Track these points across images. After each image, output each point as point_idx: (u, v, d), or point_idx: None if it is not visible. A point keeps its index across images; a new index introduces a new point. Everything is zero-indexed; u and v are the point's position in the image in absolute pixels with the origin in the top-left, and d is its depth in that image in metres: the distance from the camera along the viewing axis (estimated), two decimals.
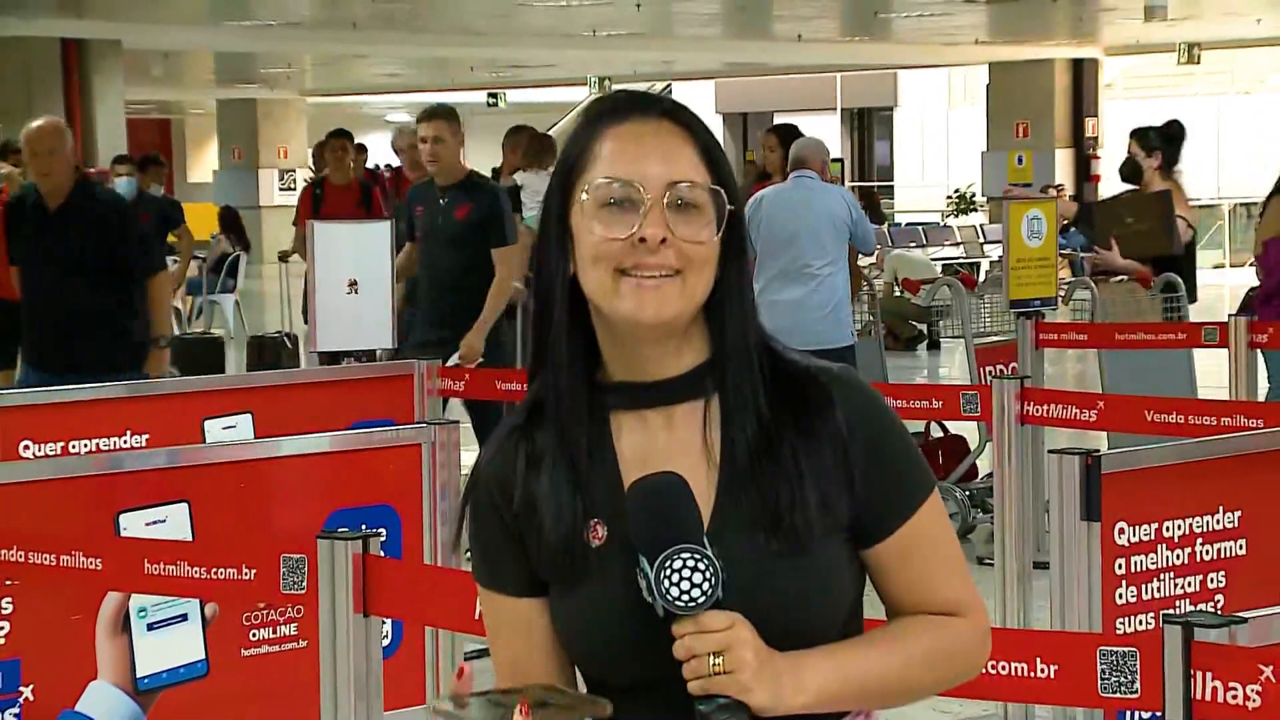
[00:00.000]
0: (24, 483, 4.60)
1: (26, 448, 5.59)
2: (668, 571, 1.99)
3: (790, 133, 10.16)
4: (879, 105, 37.27)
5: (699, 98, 38.60)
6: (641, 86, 37.93)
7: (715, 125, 38.96)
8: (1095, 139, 27.89)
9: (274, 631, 4.94)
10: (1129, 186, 10.03)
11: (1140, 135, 10.25)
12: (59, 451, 5.62)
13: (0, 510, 4.44)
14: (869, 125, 38.11)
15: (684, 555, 2.00)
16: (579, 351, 2.15)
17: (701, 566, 1.99)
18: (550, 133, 15.15)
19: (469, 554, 2.29)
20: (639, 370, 2.15)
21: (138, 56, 23.39)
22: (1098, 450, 4.39)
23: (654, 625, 2.03)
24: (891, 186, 34.94)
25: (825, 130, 22.84)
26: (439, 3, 20.12)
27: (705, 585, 1.99)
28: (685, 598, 1.99)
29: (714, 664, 2.00)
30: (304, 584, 3.90)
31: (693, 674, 2.01)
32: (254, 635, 4.92)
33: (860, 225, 8.99)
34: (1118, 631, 4.35)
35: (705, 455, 2.12)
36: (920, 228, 25.02)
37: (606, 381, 2.16)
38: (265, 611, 4.90)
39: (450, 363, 7.64)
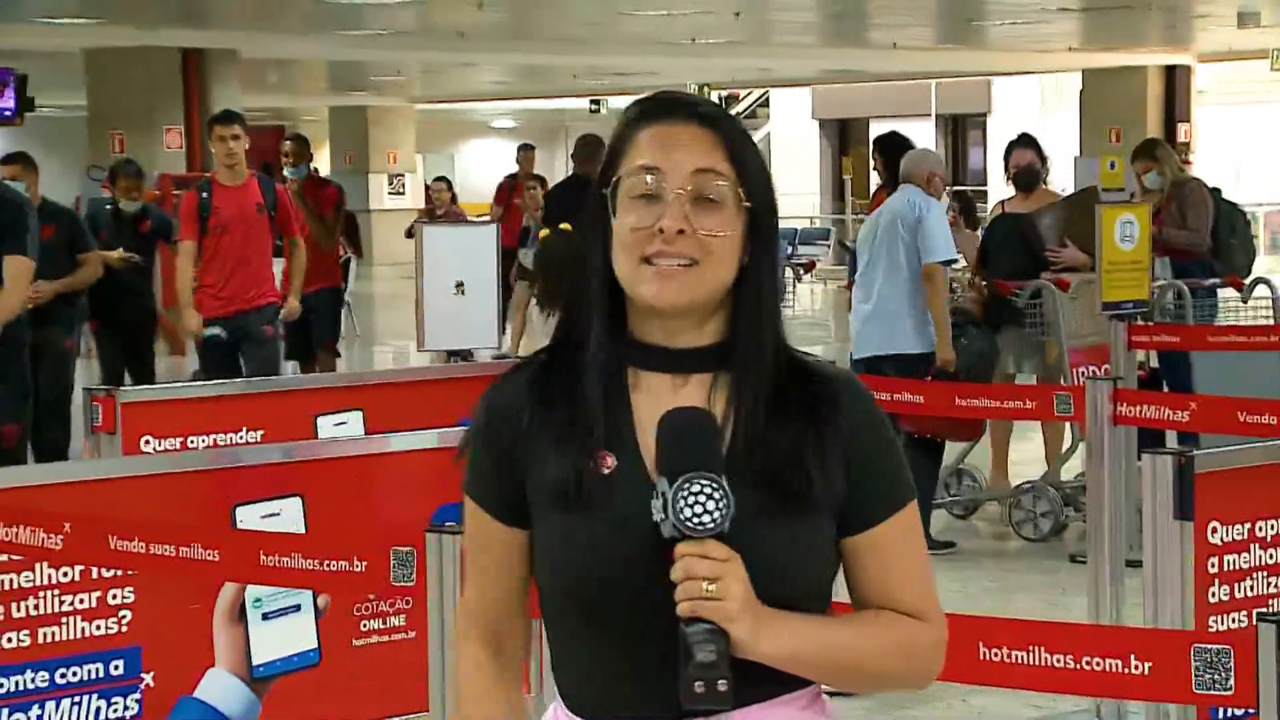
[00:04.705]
0: (145, 476, 4.74)
1: (148, 442, 5.67)
2: (685, 493, 2.11)
3: (889, 142, 10.06)
4: (973, 111, 37.07)
5: (796, 104, 38.54)
6: (740, 93, 38.02)
7: (812, 131, 38.87)
8: (1188, 144, 27.68)
9: (384, 622, 5.04)
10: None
11: (1035, 143, 10.32)
12: (178, 446, 5.71)
13: (123, 503, 4.57)
14: (963, 131, 37.93)
15: (703, 481, 2.12)
16: (611, 309, 2.29)
17: (717, 496, 2.11)
18: None
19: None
20: (662, 337, 2.29)
21: (254, 65, 23.61)
22: (1192, 450, 4.43)
23: (654, 549, 2.15)
24: (985, 191, 34.73)
25: (920, 136, 22.81)
26: (543, 12, 20.23)
27: (717, 513, 2.11)
28: (695, 520, 2.11)
29: (707, 589, 2.11)
30: (413, 576, 3.98)
31: (684, 595, 2.12)
32: (364, 626, 5.03)
33: (921, 229, 8.59)
34: (1211, 629, 4.39)
35: None
36: None
37: (631, 337, 2.30)
38: (375, 603, 5.01)
39: None
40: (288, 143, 12.08)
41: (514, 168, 17.95)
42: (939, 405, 7.27)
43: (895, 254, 8.68)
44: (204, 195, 9.76)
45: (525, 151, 18.93)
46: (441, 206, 17.23)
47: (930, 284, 8.64)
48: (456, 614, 2.46)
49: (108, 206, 11.50)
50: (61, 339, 9.77)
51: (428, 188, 17.73)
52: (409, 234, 17.55)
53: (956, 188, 31.31)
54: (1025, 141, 10.47)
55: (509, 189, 18.15)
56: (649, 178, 2.24)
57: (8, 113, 22.94)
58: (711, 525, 2.11)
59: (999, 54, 27.46)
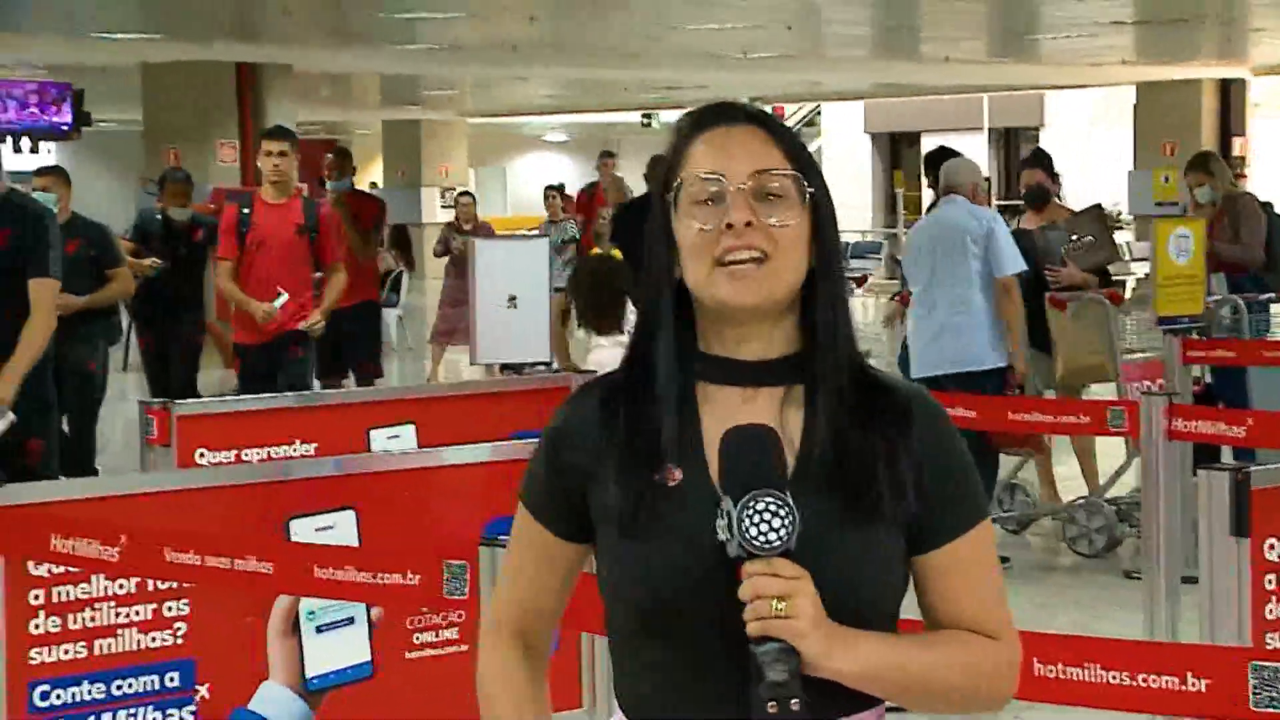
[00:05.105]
0: (200, 489, 4.75)
1: (202, 455, 5.71)
2: (749, 512, 2.09)
3: (940, 157, 10.03)
4: (1026, 125, 36.98)
5: (848, 118, 38.51)
6: (791, 107, 38.01)
7: (863, 145, 38.83)
8: (1243, 159, 27.52)
9: (436, 635, 5.04)
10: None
11: (1045, 161, 10.32)
12: (232, 459, 5.75)
13: (178, 515, 4.59)
14: (1016, 145, 37.83)
15: (767, 499, 2.10)
16: (679, 326, 2.30)
17: (782, 513, 2.09)
18: None
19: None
20: (731, 350, 2.28)
21: (307, 79, 23.71)
22: (1248, 466, 4.40)
23: (721, 567, 2.13)
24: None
25: (973, 150, 22.74)
26: (595, 26, 20.24)
27: (783, 530, 2.09)
28: (762, 538, 2.09)
29: (776, 607, 2.09)
30: (465, 589, 3.98)
31: (754, 614, 2.10)
32: (417, 638, 5.02)
33: (992, 244, 8.68)
34: (1268, 646, 4.34)
35: (783, 437, 2.21)
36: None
37: (700, 352, 2.30)
38: (428, 615, 5.01)
39: None
40: (329, 156, 12.06)
41: (558, 180, 18.00)
42: (993, 420, 7.25)
43: (964, 268, 8.67)
44: (244, 210, 9.55)
45: (605, 159, 18.92)
46: (469, 221, 17.22)
47: (1008, 297, 8.66)
48: (484, 612, 2.46)
49: (158, 216, 11.50)
50: (85, 359, 9.55)
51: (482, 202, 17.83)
52: (438, 253, 17.49)
53: (1009, 201, 31.23)
54: (1034, 160, 10.53)
55: (589, 197, 18.16)
56: (710, 180, 2.25)
57: (65, 127, 23.15)
58: (778, 543, 2.09)
59: (1052, 67, 27.36)
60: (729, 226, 2.22)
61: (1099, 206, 10.46)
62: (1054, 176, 10.40)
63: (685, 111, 2.40)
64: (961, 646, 2.27)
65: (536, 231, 16.00)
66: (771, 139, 2.29)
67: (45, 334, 7.03)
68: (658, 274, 2.30)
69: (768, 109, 2.41)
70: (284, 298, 9.38)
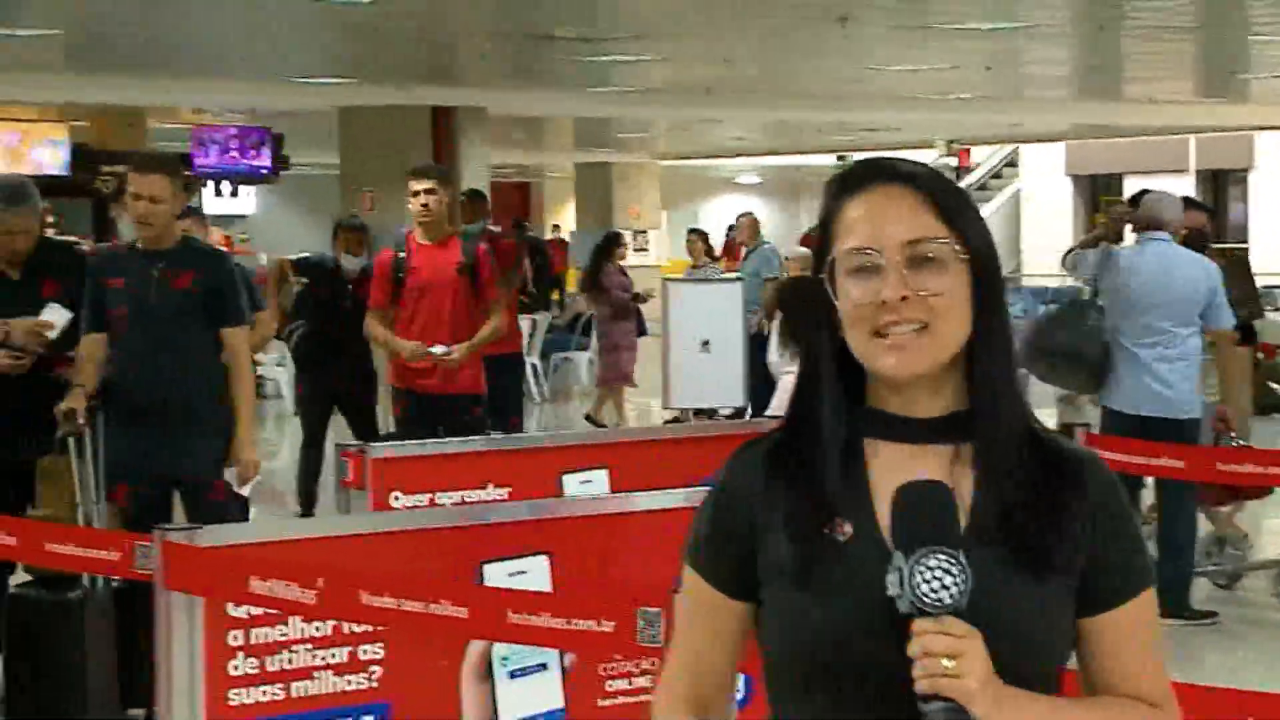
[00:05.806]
0: (394, 531, 4.77)
1: (397, 498, 5.76)
2: (922, 568, 2.07)
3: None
4: (1234, 167, 36.27)
5: (1048, 159, 38.07)
6: (988, 149, 37.62)
7: (1065, 187, 38.34)
8: None
9: (630, 683, 4.99)
10: None
11: (1203, 207, 10.16)
12: (426, 503, 5.78)
13: (373, 558, 4.61)
14: (1224, 187, 37.11)
15: (940, 556, 2.07)
16: (843, 380, 2.27)
17: (954, 571, 2.07)
18: None
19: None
20: (898, 407, 2.25)
21: (501, 122, 23.97)
22: None
23: (890, 622, 2.10)
24: (1246, 248, 33.99)
25: (1179, 192, 22.37)
26: (791, 69, 20.23)
27: (955, 589, 2.07)
28: (934, 595, 2.06)
29: (946, 666, 2.06)
30: (659, 637, 3.97)
31: (923, 672, 2.07)
32: (610, 685, 4.98)
33: (1218, 296, 8.58)
34: None
35: (954, 493, 2.19)
36: (1277, 291, 24.18)
37: (868, 406, 2.27)
38: (621, 662, 4.95)
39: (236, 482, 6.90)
40: (461, 199, 11.72)
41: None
42: (1202, 470, 7.10)
43: (1192, 318, 8.59)
44: (400, 255, 9.10)
45: None
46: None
47: (1231, 349, 8.73)
48: (656, 690, 2.41)
49: (331, 264, 11.16)
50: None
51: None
52: (622, 302, 17.16)
53: (1218, 245, 30.65)
54: (1194, 204, 10.40)
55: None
56: (862, 254, 2.22)
57: (264, 170, 23.68)
58: (950, 602, 2.07)
59: (1262, 107, 26.81)
60: (884, 303, 2.20)
61: (1245, 261, 10.29)
62: (1212, 216, 10.30)
63: (839, 171, 2.35)
64: (1123, 714, 2.24)
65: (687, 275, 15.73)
66: (923, 197, 2.23)
67: (252, 382, 7.09)
68: (818, 334, 2.28)
69: (945, 162, 2.33)
70: (438, 349, 8.91)
